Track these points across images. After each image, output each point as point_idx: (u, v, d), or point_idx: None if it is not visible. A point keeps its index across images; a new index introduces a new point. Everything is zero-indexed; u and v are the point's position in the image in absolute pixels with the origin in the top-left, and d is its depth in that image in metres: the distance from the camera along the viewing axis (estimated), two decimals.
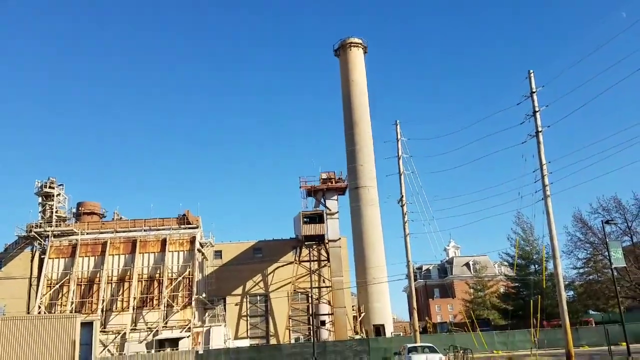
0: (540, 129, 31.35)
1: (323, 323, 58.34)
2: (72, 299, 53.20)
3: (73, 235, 57.22)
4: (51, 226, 56.83)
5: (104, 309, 53.25)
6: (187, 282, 54.77)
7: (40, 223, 57.42)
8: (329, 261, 59.86)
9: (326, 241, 60.12)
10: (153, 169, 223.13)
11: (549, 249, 31.22)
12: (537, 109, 31.61)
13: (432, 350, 26.94)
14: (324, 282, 60.80)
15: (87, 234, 57.86)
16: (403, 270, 43.23)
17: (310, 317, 56.34)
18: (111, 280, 55.25)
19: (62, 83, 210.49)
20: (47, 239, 56.89)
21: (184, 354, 43.71)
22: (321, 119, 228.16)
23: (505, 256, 66.70)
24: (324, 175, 62.11)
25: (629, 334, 32.56)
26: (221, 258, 64.97)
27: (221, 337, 51.45)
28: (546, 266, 52.11)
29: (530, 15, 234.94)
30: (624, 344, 32.81)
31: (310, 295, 58.41)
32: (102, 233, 58.14)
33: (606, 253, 38.74)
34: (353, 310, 65.24)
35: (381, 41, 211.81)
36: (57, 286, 54.55)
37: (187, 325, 51.77)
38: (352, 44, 74.53)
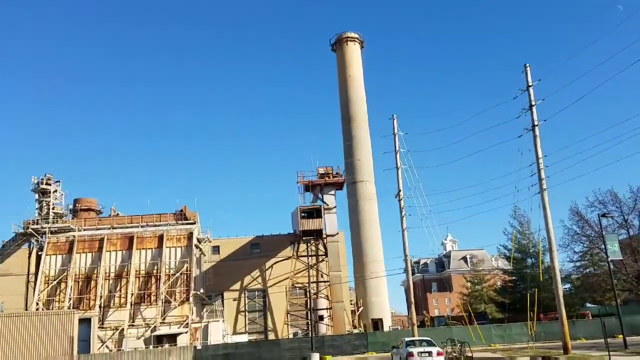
0: (536, 122, 31.40)
1: (321, 318, 58.48)
2: (70, 296, 53.17)
3: (70, 231, 57.11)
4: (48, 223, 56.70)
5: (102, 305, 53.24)
6: (185, 277, 54.78)
7: (37, 220, 57.30)
8: (326, 256, 59.94)
9: (324, 236, 60.18)
10: (149, 165, 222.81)
11: (546, 242, 31.45)
12: (533, 103, 31.65)
13: (429, 343, 27.00)
14: (322, 276, 60.90)
15: (84, 230, 57.75)
16: (401, 265, 43.31)
17: (309, 312, 56.45)
18: (109, 276, 55.22)
19: (58, 80, 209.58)
20: (44, 236, 56.78)
21: (182, 349, 43.77)
22: (318, 114, 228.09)
23: (502, 250, 66.91)
24: (322, 170, 62.11)
25: (626, 327, 32.75)
26: (219, 253, 64.98)
27: (219, 332, 51.53)
28: (543, 259, 52.42)
29: (527, 9, 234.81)
30: (621, 336, 33.02)
31: (308, 290, 58.50)
32: (99, 229, 58.05)
33: (603, 246, 38.87)
34: (351, 304, 65.40)
35: (378, 36, 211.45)
36: (55, 283, 54.50)
37: (185, 321, 51.82)
38: (349, 39, 74.32)
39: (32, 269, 57.98)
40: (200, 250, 60.89)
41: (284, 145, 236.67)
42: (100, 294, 53.50)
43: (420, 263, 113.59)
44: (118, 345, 50.19)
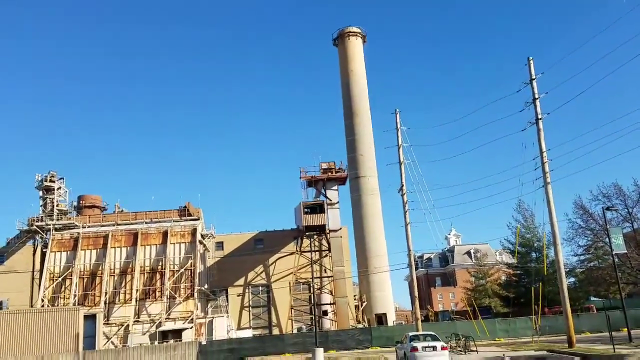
0: (540, 116, 31.29)
1: (325, 313, 58.56)
2: (75, 292, 53.40)
3: (74, 228, 57.33)
4: (52, 220, 56.91)
5: (107, 302, 53.47)
6: (189, 273, 54.98)
7: (42, 217, 57.50)
8: (330, 251, 60.00)
9: (327, 231, 60.20)
10: (153, 162, 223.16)
11: (550, 236, 31.34)
12: (536, 96, 31.53)
13: (433, 338, 26.98)
14: (325, 272, 60.98)
15: (89, 227, 57.96)
16: (404, 259, 43.28)
17: (312, 307, 56.57)
18: (113, 272, 55.44)
19: (59, 79, 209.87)
20: (48, 233, 57.01)
21: (187, 345, 43.93)
22: (321, 110, 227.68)
23: (506, 244, 66.84)
24: (324, 166, 62.06)
25: (630, 320, 32.69)
26: (222, 249, 65.13)
27: (224, 327, 51.70)
28: (547, 253, 52.31)
29: (529, 1, 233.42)
30: (625, 329, 32.98)
31: (312, 285, 58.57)
32: (103, 226, 58.25)
33: (607, 239, 38.78)
34: (355, 299, 65.50)
35: (380, 30, 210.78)
36: (60, 279, 54.75)
37: (189, 316, 52.02)
38: (351, 34, 74.11)
39: (37, 266, 58.25)
40: (204, 246, 61.05)
41: (286, 141, 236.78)
42: (105, 290, 53.73)
43: (424, 258, 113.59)
44: (123, 341, 50.44)
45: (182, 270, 55.02)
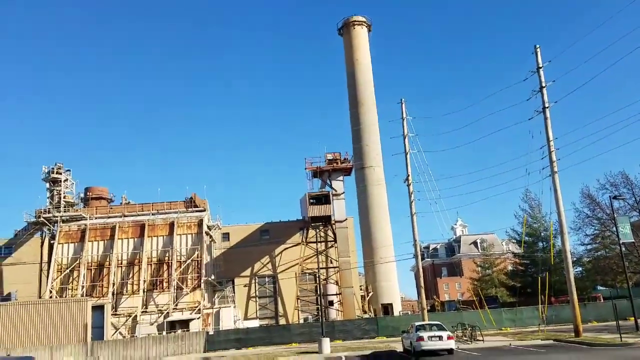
0: (547, 104, 31.04)
1: (331, 303, 58.78)
2: (83, 283, 53.83)
3: (82, 220, 57.67)
4: (60, 211, 57.24)
5: (115, 293, 53.88)
6: (196, 264, 55.27)
7: (49, 208, 57.84)
8: (335, 242, 60.06)
9: (333, 222, 60.24)
10: (158, 154, 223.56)
11: (557, 225, 31.18)
12: (543, 85, 31.25)
13: (440, 327, 27.00)
14: (331, 262, 61.10)
15: (96, 218, 58.30)
16: (410, 250, 43.20)
17: (319, 298, 56.75)
18: (121, 264, 55.82)
19: (65, 71, 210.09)
20: (56, 224, 57.37)
21: (194, 335, 44.29)
22: (326, 100, 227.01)
23: (512, 233, 66.67)
24: (330, 156, 61.95)
25: (637, 309, 32.57)
26: (229, 240, 65.32)
27: (231, 318, 52.01)
28: (554, 243, 52.18)
29: None
30: (632, 318, 32.90)
31: (317, 275, 58.74)
32: (110, 217, 58.58)
33: (614, 229, 38.57)
34: (361, 290, 65.64)
35: (386, 19, 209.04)
36: (68, 271, 55.20)
37: (197, 307, 52.35)
38: (356, 23, 73.55)
39: (45, 258, 58.68)
40: (211, 237, 61.29)
41: (291, 132, 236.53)
42: (113, 281, 54.13)
43: (430, 248, 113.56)
44: (131, 332, 50.85)
45: (189, 261, 55.31)
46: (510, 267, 75.84)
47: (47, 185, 59.84)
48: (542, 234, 61.20)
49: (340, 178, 61.76)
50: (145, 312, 52.75)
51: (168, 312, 51.79)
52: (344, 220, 60.38)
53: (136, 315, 52.03)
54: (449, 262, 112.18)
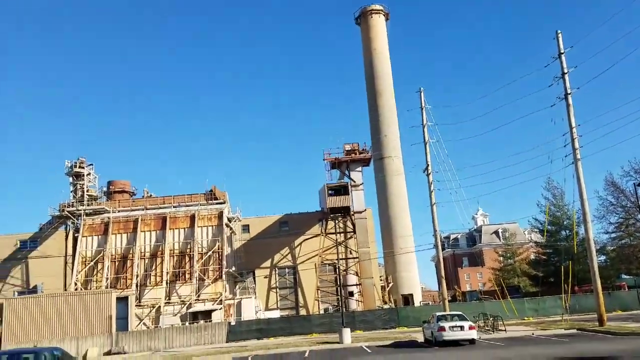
0: (569, 91, 30.44)
1: (351, 294, 58.88)
2: (107, 275, 54.85)
3: (105, 213, 58.65)
4: (83, 205, 58.27)
5: (139, 284, 54.80)
6: (217, 256, 55.87)
7: (73, 202, 58.92)
8: (355, 232, 60.06)
9: (352, 213, 60.20)
10: (179, 147, 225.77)
11: (580, 213, 30.73)
12: (565, 71, 30.64)
13: (461, 317, 26.86)
14: (350, 253, 61.16)
15: (119, 211, 59.21)
16: (430, 240, 43.12)
17: (338, 288, 56.93)
18: (144, 256, 56.72)
19: (87, 62, 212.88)
20: (79, 218, 58.45)
21: (217, 325, 44.88)
22: (344, 90, 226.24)
23: (535, 222, 65.92)
24: (348, 147, 61.78)
25: None
26: (249, 232, 65.84)
27: (252, 308, 52.51)
28: (577, 231, 51.33)
29: None
30: None
31: (337, 266, 58.85)
32: (133, 210, 59.45)
33: (639, 216, 37.79)
34: (381, 280, 65.60)
35: (403, 6, 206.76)
36: (92, 263, 56.29)
37: (218, 297, 52.96)
38: (373, 11, 72.88)
39: (70, 251, 59.92)
40: (231, 229, 61.84)
41: (310, 123, 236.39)
42: (137, 273, 55.04)
43: (451, 238, 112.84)
44: (155, 322, 51.72)
45: (210, 252, 55.94)
46: (532, 257, 74.94)
47: (71, 179, 60.94)
48: (565, 223, 60.32)
49: (359, 169, 61.64)
50: (169, 303, 53.58)
51: (190, 303, 52.52)
52: (363, 211, 60.32)
53: (159, 306, 52.87)
54: (470, 252, 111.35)
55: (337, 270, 57.71)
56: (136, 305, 51.92)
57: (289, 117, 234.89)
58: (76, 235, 58.50)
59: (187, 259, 56.41)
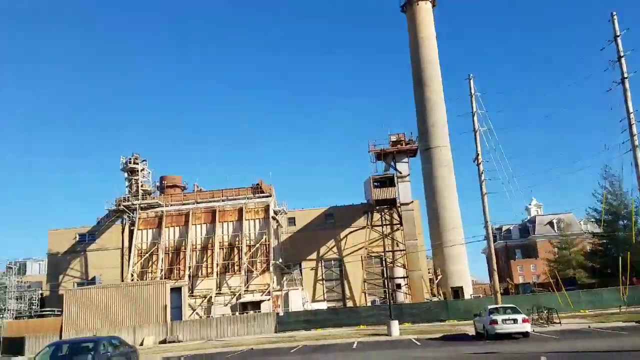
0: (625, 75, 28.98)
1: (399, 286, 58.49)
2: (161, 267, 56.87)
3: (158, 207, 60.71)
4: (138, 200, 60.53)
5: (191, 275, 56.53)
6: (264, 248, 56.84)
7: (128, 197, 61.28)
8: (401, 225, 59.53)
9: (398, 205, 59.67)
10: (225, 141, 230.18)
11: (639, 202, 29.23)
12: (621, 54, 29.17)
13: (514, 310, 26.21)
14: (397, 245, 60.69)
15: (171, 205, 61.16)
16: (481, 232, 42.02)
17: (385, 281, 56.66)
18: (195, 248, 58.43)
19: (137, 59, 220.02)
20: (135, 212, 60.75)
21: (266, 315, 45.77)
22: (389, 80, 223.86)
23: (591, 212, 63.41)
24: (394, 138, 61.11)
25: None
26: (294, 225, 66.50)
27: (299, 300, 53.17)
28: (636, 220, 48.91)
29: None
30: None
31: (384, 259, 58.55)
32: (184, 204, 61.26)
33: None
34: (429, 273, 64.81)
35: None
36: (147, 255, 58.48)
37: (266, 289, 53.90)
38: None
39: (126, 243, 62.47)
40: (277, 221, 62.69)
41: (354, 115, 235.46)
42: (189, 264, 56.79)
43: (503, 229, 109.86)
44: (207, 312, 53.24)
45: (258, 245, 56.97)
46: (589, 248, 72.21)
47: (126, 175, 63.35)
48: (623, 212, 57.64)
49: (405, 160, 60.90)
50: (219, 293, 54.99)
51: (240, 294, 53.71)
52: (410, 203, 59.64)
53: (211, 297, 54.36)
54: (523, 244, 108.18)
55: (384, 262, 57.46)
56: (189, 296, 53.61)
57: (333, 109, 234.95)
58: (132, 228, 60.87)
59: (235, 251, 57.70)
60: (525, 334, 25.03)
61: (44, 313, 58.80)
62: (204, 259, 58.00)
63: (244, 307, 52.27)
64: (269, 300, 52.48)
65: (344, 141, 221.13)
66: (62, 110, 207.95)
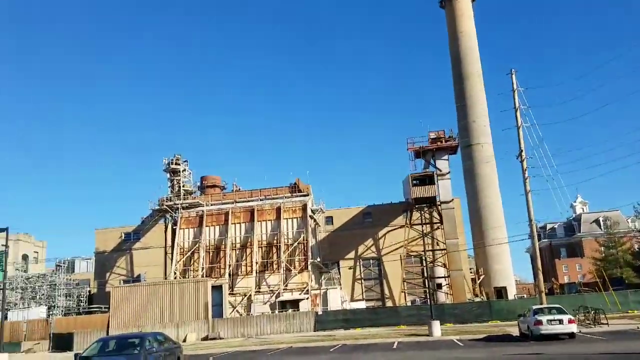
0: None
1: (439, 286, 57.56)
2: (203, 265, 57.91)
3: (199, 207, 61.86)
4: (180, 199, 61.86)
5: (231, 273, 57.32)
6: (302, 247, 57.05)
7: (170, 197, 62.72)
8: (442, 223, 58.58)
9: (438, 203, 58.73)
10: (264, 140, 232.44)
11: None
12: None
13: (559, 311, 25.39)
14: (437, 244, 59.76)
15: (211, 205, 62.18)
16: (524, 230, 41.05)
17: (426, 280, 55.87)
18: (235, 246, 59.24)
19: (181, 63, 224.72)
20: (177, 211, 62.12)
21: (305, 314, 45.91)
22: (427, 76, 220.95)
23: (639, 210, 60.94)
24: (433, 135, 60.16)
25: None
26: (332, 224, 66.46)
27: (338, 299, 53.10)
28: None
29: None
30: None
31: (424, 258, 57.77)
32: (224, 204, 62.18)
33: None
34: (471, 272, 63.56)
35: None
36: (189, 253, 59.67)
37: (305, 287, 54.07)
38: None
39: (169, 242, 63.95)
40: (315, 220, 62.80)
41: (391, 111, 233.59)
42: (229, 263, 57.63)
43: (547, 228, 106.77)
44: (247, 310, 53.87)
45: (296, 244, 57.21)
46: (637, 246, 69.45)
47: (168, 175, 64.86)
48: None
49: (445, 157, 59.90)
50: (259, 292, 55.54)
51: (279, 292, 54.09)
52: (450, 201, 58.63)
53: (250, 295, 54.96)
54: (568, 242, 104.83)
55: (424, 262, 56.69)
56: (229, 294, 54.34)
57: (371, 106, 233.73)
58: (174, 227, 62.26)
59: (274, 249, 58.14)
60: (571, 335, 24.32)
61: (91, 310, 60.78)
62: (243, 258, 58.73)
63: (283, 305, 52.62)
64: (307, 299, 52.63)
65: (382, 139, 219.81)
66: (112, 112, 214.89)
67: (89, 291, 68.62)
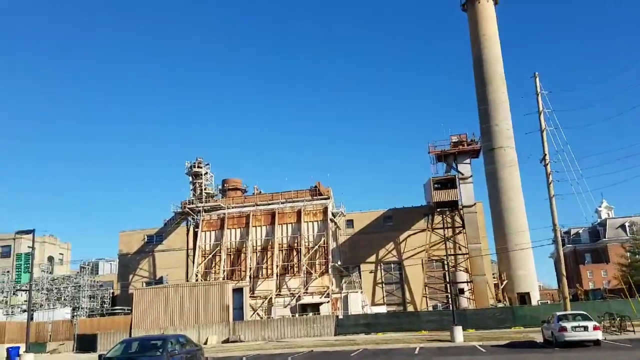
0: None
1: (461, 291, 56.90)
2: (224, 268, 58.33)
3: (221, 209, 62.39)
4: (202, 202, 62.45)
5: (252, 276, 57.59)
6: (323, 250, 57.04)
7: (192, 200, 63.38)
8: (464, 228, 57.99)
9: (460, 207, 58.15)
10: (285, 143, 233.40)
11: None
12: None
13: (584, 317, 24.92)
14: (459, 249, 59.13)
15: (233, 208, 62.63)
16: (548, 235, 40.39)
17: (447, 285, 55.29)
18: (256, 249, 59.55)
19: (201, 66, 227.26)
20: (199, 214, 62.73)
21: (325, 318, 45.85)
22: (449, 80, 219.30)
23: None
24: (455, 138, 59.65)
25: None
26: (353, 227, 66.25)
27: (358, 303, 52.89)
28: None
29: None
30: None
31: (446, 263, 57.24)
32: (245, 207, 62.56)
33: None
34: (494, 277, 62.71)
35: None
36: (210, 256, 60.16)
37: (325, 291, 54.02)
38: None
39: (190, 244, 64.57)
40: (335, 224, 62.75)
41: (414, 115, 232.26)
42: (250, 265, 57.94)
43: (571, 233, 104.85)
44: (267, 313, 54.04)
45: (316, 247, 57.25)
46: None
47: (190, 178, 65.53)
48: None
49: (467, 161, 59.34)
50: (279, 295, 55.69)
51: (299, 296, 54.15)
52: (473, 205, 58.01)
53: (271, 298, 55.12)
54: (593, 248, 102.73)
55: (447, 266, 56.18)
56: (250, 296, 54.61)
57: (393, 109, 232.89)
58: (196, 230, 62.89)
59: (294, 252, 58.28)
60: (596, 342, 23.93)
61: (114, 311, 61.58)
62: (264, 260, 58.97)
63: (303, 308, 52.64)
64: (328, 302, 52.58)
65: (402, 142, 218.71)
66: (131, 115, 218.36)
67: (113, 293, 69.51)
